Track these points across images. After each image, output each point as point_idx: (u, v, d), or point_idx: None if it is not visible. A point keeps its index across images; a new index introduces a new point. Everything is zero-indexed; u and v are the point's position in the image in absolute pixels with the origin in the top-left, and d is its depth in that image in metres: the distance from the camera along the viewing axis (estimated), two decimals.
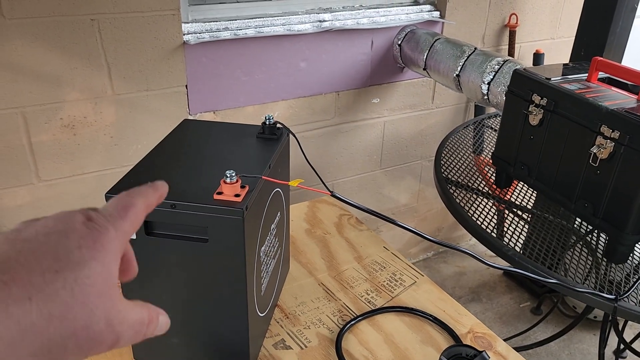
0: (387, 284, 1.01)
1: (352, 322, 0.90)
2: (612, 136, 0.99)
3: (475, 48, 1.54)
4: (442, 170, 1.39)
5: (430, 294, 0.99)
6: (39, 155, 1.41)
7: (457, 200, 1.26)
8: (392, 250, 1.11)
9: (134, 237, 0.70)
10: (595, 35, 1.78)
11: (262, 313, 0.84)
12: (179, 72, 1.49)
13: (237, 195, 0.68)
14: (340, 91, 1.80)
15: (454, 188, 1.32)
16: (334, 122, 1.85)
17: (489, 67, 1.45)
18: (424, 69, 1.71)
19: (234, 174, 0.68)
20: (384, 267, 1.06)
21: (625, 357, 1.93)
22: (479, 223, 1.17)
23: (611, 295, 0.95)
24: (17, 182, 1.41)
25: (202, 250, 0.70)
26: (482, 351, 0.76)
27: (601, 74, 1.18)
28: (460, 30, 1.96)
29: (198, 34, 1.47)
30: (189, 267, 0.71)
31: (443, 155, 1.47)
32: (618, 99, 1.06)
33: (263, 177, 0.72)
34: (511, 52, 2.09)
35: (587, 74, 1.17)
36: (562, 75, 1.18)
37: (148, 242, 0.70)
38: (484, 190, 1.33)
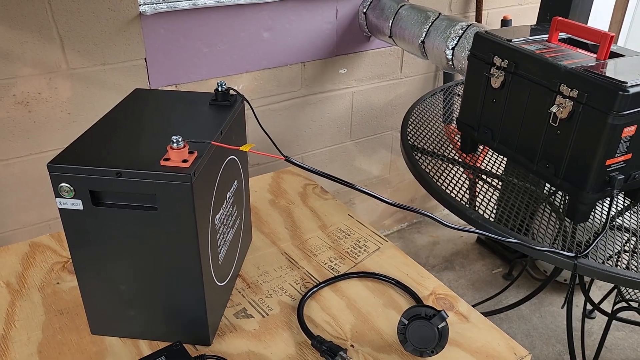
0: (351, 250, 1.01)
1: (314, 289, 0.90)
2: (570, 95, 0.99)
3: (440, 14, 1.53)
4: (409, 138, 1.39)
5: (394, 259, 0.98)
6: None
7: (422, 166, 1.25)
8: (357, 217, 1.11)
9: (81, 208, 0.68)
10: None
11: (221, 282, 0.82)
12: (136, 45, 1.44)
13: (184, 161, 0.66)
14: (306, 62, 1.77)
15: (422, 156, 1.31)
16: (300, 94, 1.82)
17: (452, 32, 1.43)
18: (390, 37, 1.69)
19: (180, 140, 0.66)
20: (348, 235, 1.05)
21: (594, 317, 1.98)
22: (444, 188, 1.17)
23: (571, 253, 0.96)
24: None
25: (152, 219, 0.68)
26: (441, 310, 0.76)
27: (564, 35, 1.17)
28: None
29: (155, 5, 1.42)
30: (140, 237, 0.69)
31: (411, 123, 1.47)
32: (577, 58, 1.06)
33: (212, 142, 0.70)
34: (478, 19, 2.08)
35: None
36: (524, 37, 1.17)
37: (97, 213, 0.68)
38: (454, 158, 1.32)
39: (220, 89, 0.83)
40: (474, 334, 0.82)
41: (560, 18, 1.13)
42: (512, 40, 1.13)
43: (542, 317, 1.97)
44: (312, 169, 0.75)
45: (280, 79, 1.75)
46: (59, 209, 0.68)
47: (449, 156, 1.32)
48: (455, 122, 1.43)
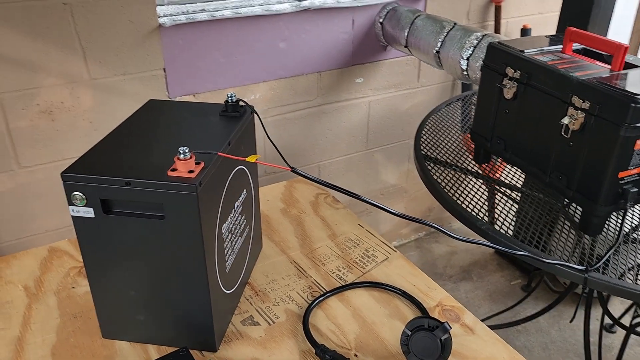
0: (360, 260, 1.01)
1: (321, 298, 0.91)
2: (582, 107, 0.98)
3: (455, 24, 1.53)
4: (422, 148, 1.39)
5: (401, 269, 0.99)
6: (18, 141, 1.41)
7: (435, 176, 1.25)
8: (367, 227, 1.11)
9: (93, 215, 0.70)
10: (580, 7, 1.76)
11: (228, 290, 0.84)
12: (156, 56, 1.48)
13: (190, 172, 0.68)
14: (322, 71, 1.79)
15: (435, 166, 1.31)
16: (317, 103, 1.84)
17: (467, 42, 1.43)
18: (406, 47, 1.69)
19: (187, 150, 0.68)
20: (357, 244, 1.06)
21: (614, 332, 1.94)
22: (455, 198, 1.17)
23: (582, 266, 0.95)
24: None
25: (159, 227, 0.70)
26: (444, 322, 0.76)
27: (579, 46, 1.16)
28: (443, 6, 1.94)
29: (174, 16, 1.46)
30: (148, 245, 0.72)
31: (425, 132, 1.46)
32: (591, 69, 1.05)
33: (219, 153, 0.72)
34: (497, 28, 2.07)
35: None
36: (538, 47, 1.16)
37: (107, 221, 0.70)
38: (467, 168, 1.32)
39: (230, 101, 0.85)
40: (478, 346, 0.82)
41: (574, 29, 1.12)
42: (525, 51, 1.13)
43: (561, 330, 1.94)
44: (316, 179, 0.76)
45: (297, 89, 1.77)
46: (72, 216, 0.71)
47: (463, 166, 1.32)
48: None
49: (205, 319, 0.77)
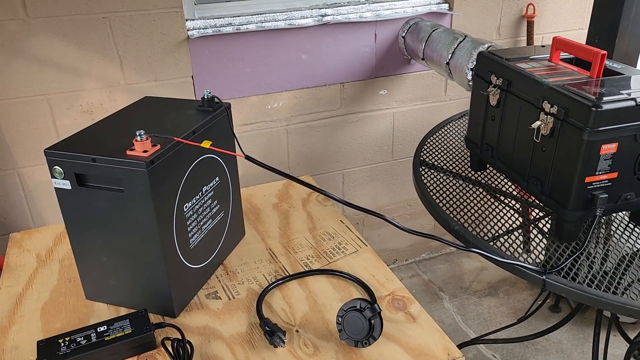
0: (330, 251, 1.08)
1: (280, 281, 0.98)
2: (551, 111, 1.00)
3: (466, 36, 1.56)
4: (422, 156, 1.42)
5: (367, 262, 1.04)
6: (63, 136, 1.60)
7: (424, 180, 1.29)
8: (347, 223, 1.18)
9: (70, 187, 0.83)
10: (608, 21, 1.72)
11: (194, 265, 0.94)
12: (184, 64, 1.63)
13: (145, 151, 0.79)
14: (345, 82, 1.87)
15: (429, 171, 1.34)
16: (340, 113, 1.92)
17: (474, 53, 1.46)
18: (423, 59, 1.74)
19: (143, 133, 0.79)
20: (333, 237, 1.13)
21: (638, 357, 1.83)
22: (437, 201, 1.20)
23: (539, 268, 0.96)
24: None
25: (120, 200, 0.81)
26: (374, 303, 0.81)
27: (569, 55, 1.17)
28: (471, 22, 1.96)
29: (202, 29, 1.61)
30: (114, 215, 0.83)
31: (434, 143, 1.49)
32: (569, 75, 1.06)
33: (175, 138, 0.83)
34: (530, 43, 2.06)
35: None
36: (526, 56, 1.18)
37: (81, 192, 0.83)
38: (459, 173, 1.33)
39: (206, 97, 0.96)
40: (415, 333, 0.86)
41: (560, 37, 1.14)
42: (509, 59, 1.15)
43: (585, 352, 1.86)
44: (276, 170, 0.85)
45: (320, 98, 1.87)
46: (55, 187, 0.84)
47: (457, 172, 1.34)
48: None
49: (164, 287, 0.87)
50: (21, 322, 0.91)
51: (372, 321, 0.80)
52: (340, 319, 0.83)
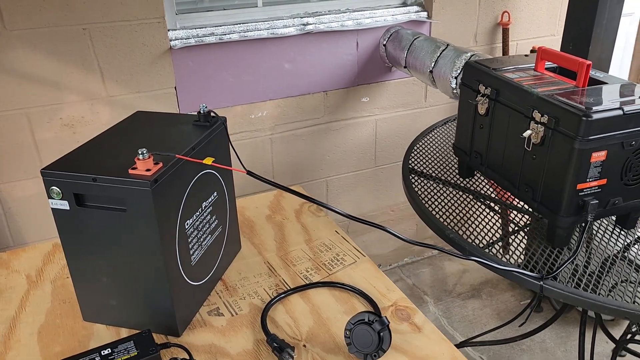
0: (328, 263, 1.08)
1: (283, 295, 0.98)
2: (542, 121, 1.03)
3: (448, 44, 1.59)
4: (410, 164, 1.44)
5: (366, 272, 1.05)
6: (44, 151, 1.56)
7: (416, 188, 1.31)
8: (342, 234, 1.18)
9: (68, 208, 0.81)
10: (582, 29, 1.78)
11: (195, 282, 0.93)
12: (167, 75, 1.61)
13: (148, 170, 0.77)
14: (328, 90, 1.88)
15: (419, 179, 1.36)
16: (323, 121, 1.93)
17: (457, 62, 1.49)
18: (405, 67, 1.76)
19: (145, 152, 0.77)
20: (330, 249, 1.13)
21: (624, 356, 1.89)
22: (431, 209, 1.22)
23: (537, 274, 0.98)
24: (26, 175, 1.57)
25: (122, 219, 0.80)
26: (383, 316, 0.82)
27: (553, 65, 1.20)
28: (450, 30, 2.00)
29: (184, 40, 1.59)
30: (115, 235, 0.81)
31: (420, 150, 1.52)
32: (556, 85, 1.09)
33: (177, 155, 0.82)
34: (505, 50, 2.11)
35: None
36: (512, 65, 1.21)
37: (80, 213, 0.81)
38: (447, 180, 1.36)
39: (202, 111, 0.95)
40: (422, 343, 0.87)
41: (544, 47, 1.17)
42: (496, 69, 1.18)
43: (567, 351, 1.91)
44: (275, 184, 0.84)
45: (303, 107, 1.87)
46: (51, 208, 0.82)
47: (444, 178, 1.36)
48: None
49: (167, 306, 0.86)
50: (18, 348, 0.88)
51: (381, 334, 0.81)
52: (348, 333, 0.83)
